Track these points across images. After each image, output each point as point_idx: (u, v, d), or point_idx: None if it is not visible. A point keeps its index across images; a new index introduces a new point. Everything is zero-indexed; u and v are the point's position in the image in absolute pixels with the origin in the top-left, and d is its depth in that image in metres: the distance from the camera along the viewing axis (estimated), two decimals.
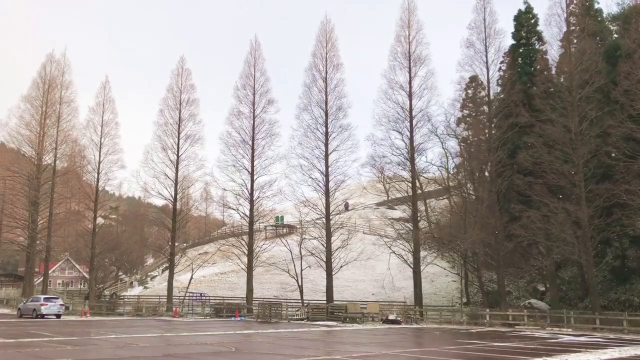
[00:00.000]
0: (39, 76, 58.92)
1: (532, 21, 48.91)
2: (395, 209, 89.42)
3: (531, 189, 38.53)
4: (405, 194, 48.43)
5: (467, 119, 62.81)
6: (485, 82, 45.90)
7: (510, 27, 49.19)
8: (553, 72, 46.85)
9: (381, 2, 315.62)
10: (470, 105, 63.88)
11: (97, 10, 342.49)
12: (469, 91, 64.36)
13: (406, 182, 46.64)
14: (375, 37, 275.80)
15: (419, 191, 49.26)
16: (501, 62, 49.52)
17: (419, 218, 47.87)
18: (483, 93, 61.81)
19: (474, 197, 50.82)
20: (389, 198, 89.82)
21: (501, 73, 50.37)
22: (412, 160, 46.01)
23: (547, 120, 39.25)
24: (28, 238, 56.78)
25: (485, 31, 45.63)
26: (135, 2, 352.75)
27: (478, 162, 47.58)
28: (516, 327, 38.01)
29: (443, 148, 51.60)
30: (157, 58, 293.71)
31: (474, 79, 60.86)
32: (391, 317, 39.96)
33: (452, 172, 60.20)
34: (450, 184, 60.41)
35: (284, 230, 76.15)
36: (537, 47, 48.61)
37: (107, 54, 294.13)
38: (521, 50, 48.27)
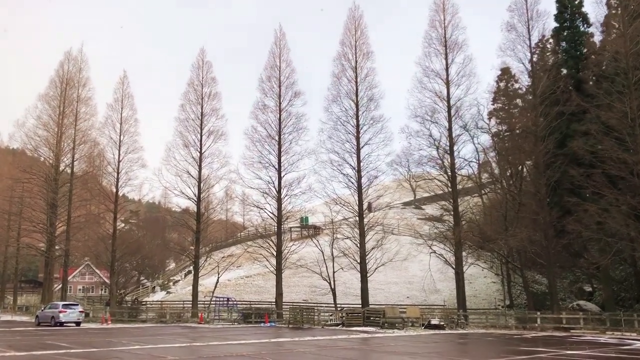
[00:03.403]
0: (57, 75, 57.31)
1: (576, 2, 45.59)
2: (423, 209, 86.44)
3: (587, 180, 35.27)
4: (441, 191, 45.53)
5: (500, 112, 59.75)
6: (529, 67, 42.51)
7: (552, 8, 45.96)
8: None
9: None
10: (503, 98, 60.86)
11: (113, 5, 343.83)
12: (501, 84, 61.33)
13: (444, 176, 43.57)
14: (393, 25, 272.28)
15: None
16: (533, 53, 45.98)
17: (448, 217, 44.79)
18: (516, 85, 58.88)
19: (515, 192, 47.65)
20: (416, 197, 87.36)
21: (532, 64, 47.02)
22: (451, 152, 42.98)
23: (601, 106, 36.07)
24: (46, 242, 54.80)
25: (527, 13, 42.49)
26: None
27: (524, 154, 44.23)
28: (571, 331, 34.80)
29: (474, 143, 48.25)
30: (177, 51, 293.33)
31: (506, 70, 57.80)
32: (434, 321, 36.89)
33: (486, 168, 57.11)
34: (485, 179, 57.25)
35: (309, 232, 73.45)
36: (582, 29, 45.26)
37: (124, 49, 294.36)
38: (565, 34, 44.99)
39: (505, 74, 58.43)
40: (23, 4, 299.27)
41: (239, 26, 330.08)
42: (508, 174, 53.39)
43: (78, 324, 38.49)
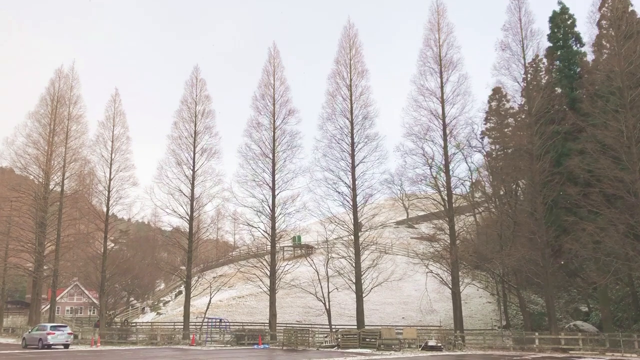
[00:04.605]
0: (48, 92, 56.56)
1: (569, 22, 45.81)
2: (416, 227, 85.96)
3: (584, 198, 35.04)
4: (436, 210, 45.12)
5: (493, 132, 59.82)
6: (524, 86, 42.52)
7: (546, 27, 46.14)
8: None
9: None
10: (494, 117, 61.00)
11: (105, 23, 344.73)
12: (493, 103, 61.51)
13: (439, 195, 43.18)
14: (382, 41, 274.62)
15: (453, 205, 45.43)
16: (527, 72, 45.89)
17: (443, 236, 44.35)
18: (508, 105, 59.04)
19: (510, 211, 47.39)
20: (409, 216, 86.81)
21: (527, 83, 47.06)
22: (446, 170, 42.64)
23: (597, 124, 36.03)
24: (35, 262, 53.63)
25: (521, 32, 42.51)
26: (145, 13, 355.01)
27: (520, 173, 44.04)
28: (570, 352, 34.25)
29: (467, 163, 48.14)
30: (169, 69, 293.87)
31: (497, 90, 58.04)
32: (431, 343, 36.24)
33: (478, 187, 57.00)
34: (478, 198, 57.03)
35: (302, 251, 72.75)
36: (575, 49, 45.43)
37: (115, 66, 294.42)
38: (559, 53, 45.11)
39: (497, 93, 58.69)
40: (15, 20, 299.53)
41: (233, 44, 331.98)
42: (501, 193, 53.25)
43: (66, 346, 37.31)
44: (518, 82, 42.73)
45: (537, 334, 37.71)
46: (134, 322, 63.58)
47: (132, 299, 76.33)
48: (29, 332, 39.64)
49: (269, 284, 44.54)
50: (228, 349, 38.07)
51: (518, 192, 52.80)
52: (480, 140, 53.88)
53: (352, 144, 44.59)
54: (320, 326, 45.98)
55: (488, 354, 33.27)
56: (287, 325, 46.72)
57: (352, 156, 44.38)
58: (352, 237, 43.75)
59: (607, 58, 40.27)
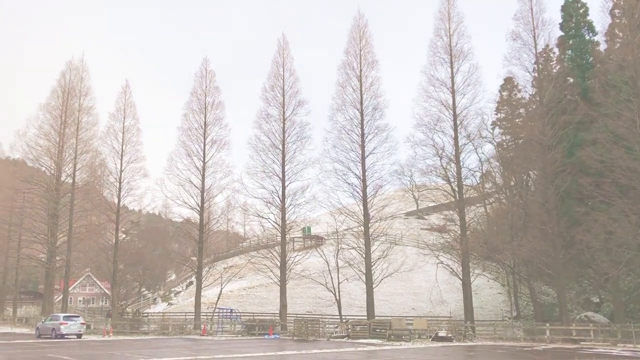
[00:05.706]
0: (59, 84, 56.98)
1: (582, 11, 45.39)
2: (426, 218, 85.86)
3: (597, 189, 34.77)
4: (447, 201, 45.02)
5: (504, 122, 59.47)
6: (535, 76, 42.13)
7: (557, 17, 45.64)
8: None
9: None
10: (505, 108, 60.59)
11: (113, 16, 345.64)
12: (504, 93, 61.06)
13: (451, 185, 43.03)
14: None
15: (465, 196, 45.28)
16: (535, 63, 45.23)
17: (454, 227, 44.22)
18: (519, 95, 58.58)
19: (521, 202, 47.20)
20: (419, 207, 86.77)
21: (538, 73, 46.55)
22: (457, 161, 42.44)
23: (609, 114, 35.69)
24: (47, 253, 54.17)
25: (532, 22, 42.10)
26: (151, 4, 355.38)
27: (531, 163, 43.77)
28: (581, 343, 34.12)
29: (477, 153, 47.87)
30: (178, 60, 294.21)
31: (509, 80, 57.55)
32: (441, 333, 36.26)
33: (489, 178, 56.72)
34: (488, 189, 56.83)
35: (312, 242, 72.89)
36: (587, 38, 44.97)
37: (125, 59, 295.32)
38: (571, 42, 44.69)
39: (508, 83, 58.24)
40: (25, 14, 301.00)
41: (243, 35, 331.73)
42: (512, 183, 53.04)
43: (79, 336, 37.75)
44: (529, 72, 42.40)
45: (548, 325, 37.59)
46: (145, 313, 64.14)
47: (143, 289, 77.03)
48: (43, 322, 40.11)
49: (279, 275, 44.69)
50: (239, 339, 38.35)
51: (529, 182, 52.59)
52: (491, 130, 53.75)
53: (362, 135, 44.46)
54: (331, 317, 46.13)
55: (499, 345, 33.26)
56: (298, 315, 46.88)
57: (362, 147, 44.26)
58: (362, 228, 43.77)
59: (620, 47, 39.80)
